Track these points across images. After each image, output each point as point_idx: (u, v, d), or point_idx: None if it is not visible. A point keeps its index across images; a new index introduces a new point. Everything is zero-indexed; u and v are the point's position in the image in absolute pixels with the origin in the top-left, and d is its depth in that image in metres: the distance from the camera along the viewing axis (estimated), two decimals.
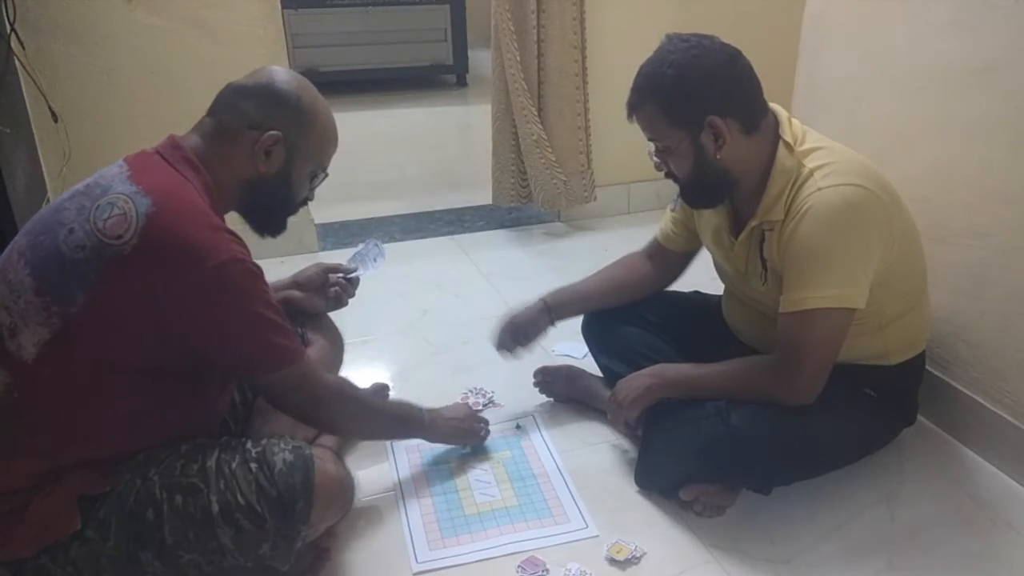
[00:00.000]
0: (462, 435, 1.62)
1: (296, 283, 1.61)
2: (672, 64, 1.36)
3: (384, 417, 1.47)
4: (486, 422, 1.68)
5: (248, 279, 1.16)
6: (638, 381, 1.52)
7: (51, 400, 1.13)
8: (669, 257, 1.74)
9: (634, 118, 1.44)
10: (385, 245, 1.72)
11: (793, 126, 1.44)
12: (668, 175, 1.47)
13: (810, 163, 1.38)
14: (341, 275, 1.64)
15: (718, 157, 1.39)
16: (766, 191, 1.41)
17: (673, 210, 1.69)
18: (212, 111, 1.28)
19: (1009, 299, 1.56)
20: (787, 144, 1.40)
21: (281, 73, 1.30)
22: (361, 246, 1.69)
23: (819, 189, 1.35)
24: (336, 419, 1.35)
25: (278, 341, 1.20)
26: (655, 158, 1.46)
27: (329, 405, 1.30)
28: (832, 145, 1.42)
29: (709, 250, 1.65)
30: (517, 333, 1.73)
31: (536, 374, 1.85)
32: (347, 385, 1.38)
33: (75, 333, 1.11)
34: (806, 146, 1.41)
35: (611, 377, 1.71)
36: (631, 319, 1.72)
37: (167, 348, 1.15)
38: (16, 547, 1.12)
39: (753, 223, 1.45)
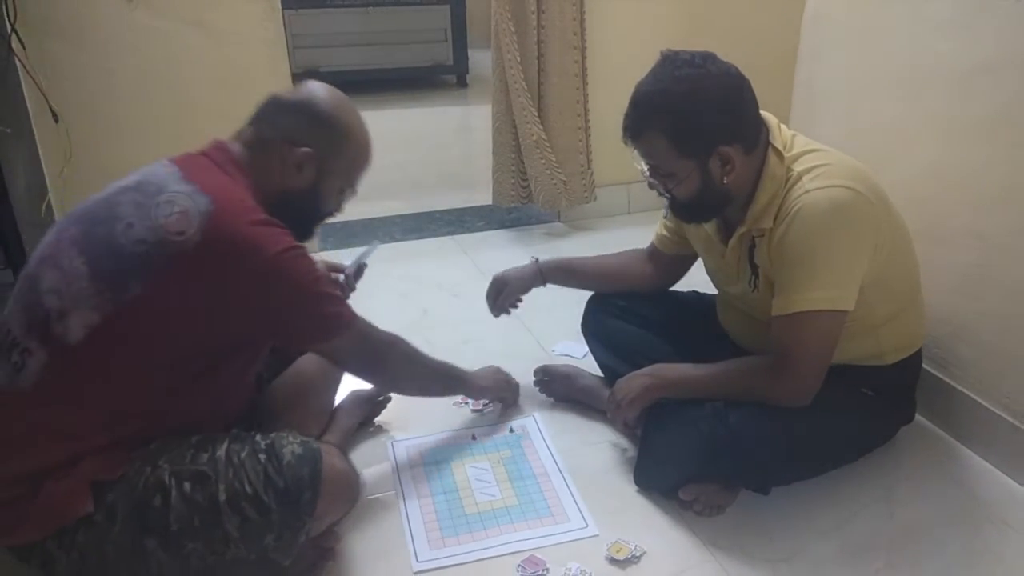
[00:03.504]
0: (498, 391, 1.77)
1: None
2: (680, 93, 1.33)
3: (434, 371, 1.56)
4: (517, 383, 1.81)
5: (302, 263, 1.24)
6: (636, 381, 1.52)
7: (86, 383, 1.16)
8: (665, 260, 1.75)
9: (631, 142, 1.40)
10: (385, 245, 1.72)
11: (782, 132, 1.43)
12: (662, 194, 1.45)
13: (798, 167, 1.38)
14: (345, 272, 1.66)
15: (724, 182, 1.38)
16: (755, 199, 1.41)
17: (666, 217, 1.68)
18: (253, 120, 1.33)
19: (1009, 299, 1.56)
20: (777, 151, 1.40)
21: (322, 91, 1.34)
22: (364, 249, 1.70)
23: (807, 192, 1.34)
24: (394, 372, 1.47)
25: (333, 310, 1.29)
26: (651, 179, 1.44)
27: (387, 360, 1.42)
28: (820, 148, 1.42)
29: (700, 256, 1.66)
30: (508, 291, 1.79)
31: (536, 373, 1.86)
32: (400, 340, 1.46)
33: (125, 319, 1.15)
34: (795, 151, 1.40)
35: (611, 376, 1.72)
36: (631, 318, 1.72)
37: (216, 337, 1.21)
38: (29, 529, 1.13)
39: (742, 230, 1.45)
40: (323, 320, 1.29)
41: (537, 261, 1.80)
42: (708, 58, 1.36)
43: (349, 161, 1.37)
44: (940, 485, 1.58)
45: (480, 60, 4.97)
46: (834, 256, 1.35)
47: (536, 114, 2.73)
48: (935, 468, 1.62)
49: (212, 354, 1.23)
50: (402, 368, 1.48)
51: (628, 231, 2.75)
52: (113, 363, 1.16)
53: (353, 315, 1.33)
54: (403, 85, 5.36)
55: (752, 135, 1.39)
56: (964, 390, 1.67)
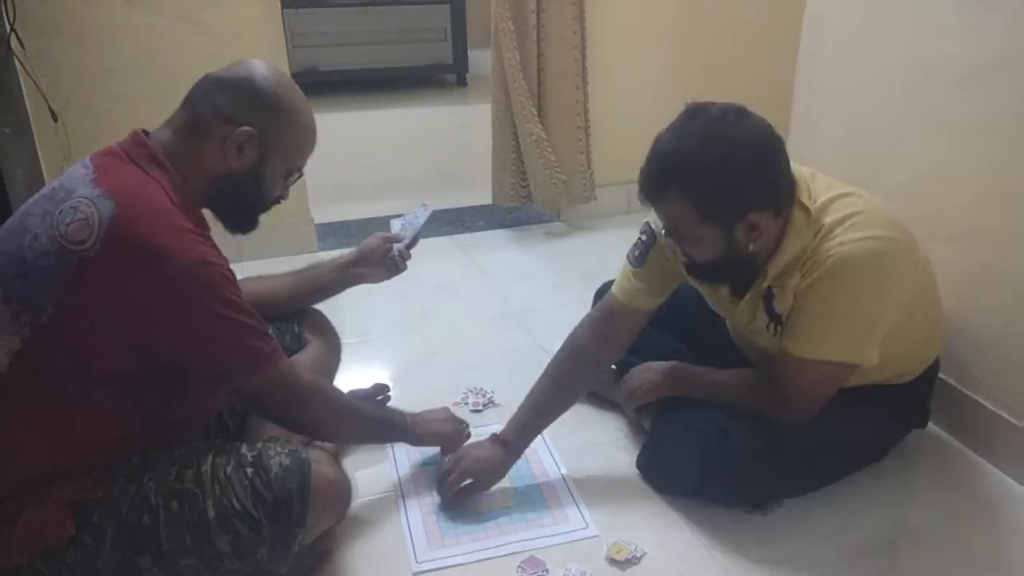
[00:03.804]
0: (444, 439, 1.59)
1: (361, 255, 1.64)
2: (709, 157, 1.21)
3: (366, 420, 1.45)
4: (466, 425, 1.63)
5: (215, 281, 1.13)
6: (650, 376, 1.54)
7: (28, 409, 1.11)
8: (633, 316, 1.54)
9: (648, 203, 1.29)
10: (392, 248, 1.71)
11: (808, 180, 1.34)
12: (682, 256, 1.34)
13: (828, 218, 1.30)
14: (401, 244, 1.65)
15: (751, 249, 1.29)
16: (778, 255, 1.32)
17: (638, 266, 1.51)
18: (186, 103, 1.24)
19: (1009, 299, 1.56)
20: (804, 207, 1.30)
21: (261, 68, 1.25)
22: (408, 214, 1.69)
23: (842, 244, 1.27)
24: (316, 422, 1.31)
25: (251, 343, 1.18)
26: (668, 240, 1.34)
27: (309, 408, 1.28)
28: (847, 191, 1.34)
29: (705, 298, 1.55)
30: (473, 484, 1.50)
31: None
32: (327, 387, 1.37)
33: (45, 342, 1.09)
34: (822, 199, 1.32)
35: (621, 368, 1.72)
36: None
37: (138, 355, 1.13)
38: (9, 554, 1.10)
39: (763, 284, 1.37)
40: (239, 351, 1.17)
41: (501, 441, 1.51)
42: (741, 115, 1.24)
43: (293, 141, 1.27)
44: (941, 486, 1.57)
45: (480, 59, 4.97)
46: (865, 312, 1.31)
47: (536, 113, 2.73)
48: (936, 469, 1.62)
49: (152, 373, 1.16)
50: (329, 418, 1.33)
51: (628, 231, 2.72)
52: (46, 389, 1.11)
53: (277, 353, 1.22)
54: (403, 84, 5.35)
55: (784, 199, 1.29)
56: (965, 390, 1.67)
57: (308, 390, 1.28)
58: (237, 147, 1.21)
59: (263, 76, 1.24)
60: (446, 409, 1.65)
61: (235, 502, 1.15)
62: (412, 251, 1.68)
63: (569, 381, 1.56)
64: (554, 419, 1.55)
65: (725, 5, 2.90)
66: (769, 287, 1.37)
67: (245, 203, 1.29)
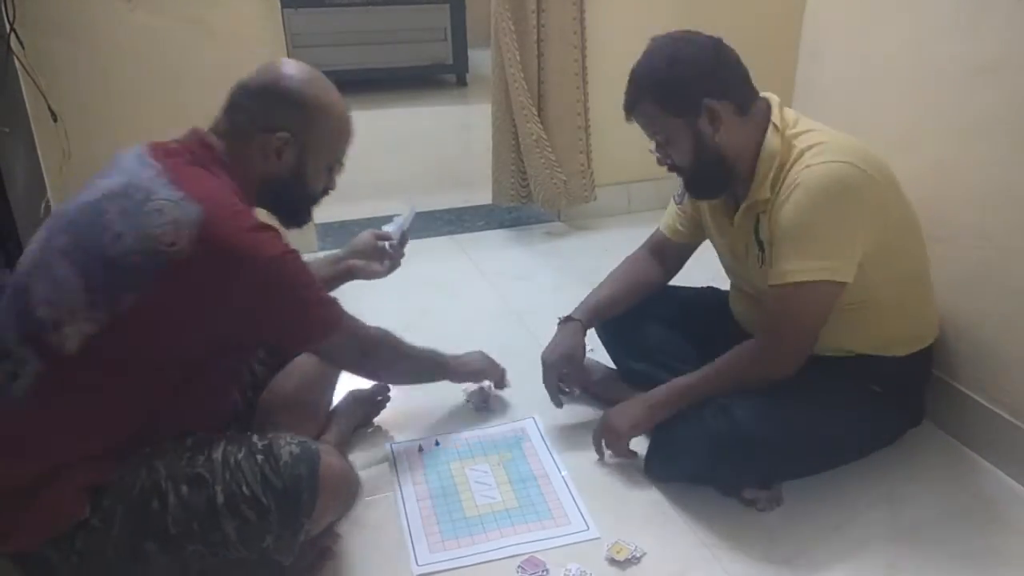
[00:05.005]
0: (485, 372, 1.77)
1: (354, 251, 1.69)
2: (662, 57, 1.42)
3: (419, 361, 1.58)
4: (502, 368, 1.80)
5: (295, 267, 1.23)
6: (622, 420, 1.56)
7: (81, 392, 1.15)
8: (673, 251, 1.75)
9: (632, 117, 1.47)
10: (384, 244, 1.72)
11: (785, 112, 1.47)
12: (671, 168, 1.49)
13: (801, 143, 1.41)
14: (391, 240, 1.70)
15: (716, 140, 1.41)
16: (756, 172, 1.44)
17: (679, 203, 1.70)
18: (226, 110, 1.30)
19: (1009, 299, 1.56)
20: (775, 127, 1.43)
21: (288, 68, 1.30)
22: (402, 215, 1.74)
23: (808, 166, 1.37)
24: (381, 366, 1.49)
25: (324, 313, 1.30)
26: (656, 153, 1.49)
27: (376, 356, 1.44)
28: (825, 128, 1.45)
29: (712, 242, 1.67)
30: (572, 365, 1.69)
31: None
32: (387, 335, 1.48)
33: (120, 329, 1.14)
34: (798, 128, 1.44)
35: (624, 371, 1.77)
36: (645, 314, 1.73)
37: (209, 342, 1.21)
38: (25, 536, 1.12)
39: (745, 204, 1.47)
40: (317, 322, 1.29)
41: (570, 319, 1.72)
42: (687, 32, 1.45)
43: (329, 136, 1.34)
44: (941, 485, 1.57)
45: (480, 59, 4.96)
46: (834, 227, 1.37)
47: (536, 113, 2.73)
48: (936, 468, 1.62)
49: (204, 358, 1.23)
50: (390, 362, 1.50)
51: (628, 231, 2.73)
52: (108, 371, 1.15)
53: (340, 312, 1.33)
54: (403, 84, 5.35)
55: (741, 95, 1.43)
56: (965, 390, 1.67)
57: (373, 342, 1.43)
58: (276, 152, 1.27)
59: (290, 77, 1.29)
60: (482, 352, 1.79)
61: (244, 488, 1.16)
62: (405, 251, 1.72)
63: (633, 282, 1.74)
64: (618, 312, 1.73)
65: (725, 5, 2.90)
66: (757, 213, 1.46)
67: (294, 202, 1.36)
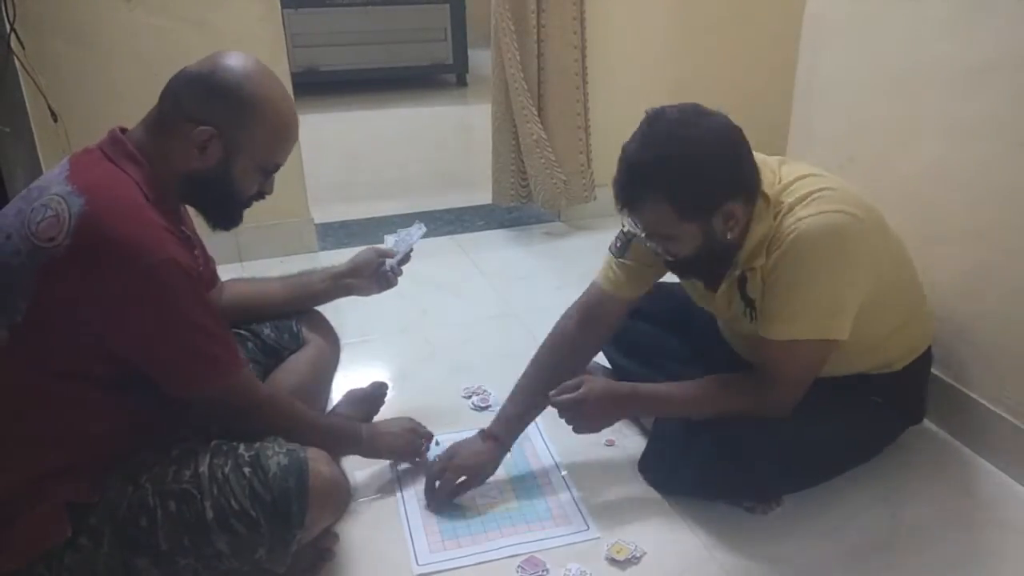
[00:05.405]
0: (399, 452, 1.56)
1: (354, 267, 1.63)
2: (677, 157, 1.25)
3: (318, 432, 1.35)
4: (425, 441, 1.58)
5: (181, 281, 1.10)
6: (597, 417, 1.45)
7: (15, 407, 1.11)
8: (615, 306, 1.57)
9: (626, 212, 1.32)
10: (384, 245, 1.72)
11: (766, 164, 1.38)
12: (667, 263, 1.40)
13: (789, 197, 1.34)
14: (394, 260, 1.64)
15: (728, 238, 1.32)
16: (745, 242, 1.35)
17: (619, 256, 1.53)
18: (160, 99, 1.20)
19: (1009, 299, 1.56)
20: (764, 194, 1.34)
21: (229, 60, 1.19)
22: (402, 230, 1.69)
23: (799, 219, 1.31)
24: (266, 432, 1.25)
25: (209, 349, 1.16)
26: (650, 243, 1.36)
27: (259, 418, 1.26)
28: (810, 173, 1.38)
29: (687, 292, 1.59)
30: (466, 480, 1.50)
31: None
32: (280, 397, 1.34)
33: (24, 341, 1.07)
34: (783, 181, 1.36)
35: (620, 372, 1.74)
36: (640, 314, 1.72)
37: (103, 354, 1.11)
38: (7, 558, 1.10)
39: (735, 273, 1.40)
40: (196, 356, 1.15)
41: (492, 436, 1.53)
42: (698, 113, 1.29)
43: (262, 137, 1.20)
44: (941, 485, 1.57)
45: (480, 59, 4.97)
46: (830, 284, 1.33)
47: (536, 113, 2.73)
48: (936, 468, 1.62)
49: (118, 375, 1.14)
50: (281, 432, 1.26)
51: None
52: (26, 391, 1.10)
53: (235, 361, 1.20)
54: (402, 84, 5.35)
55: (752, 185, 1.33)
56: (965, 390, 1.67)
57: (259, 402, 1.26)
58: (199, 146, 1.17)
59: (227, 69, 1.18)
60: (409, 420, 1.60)
61: (233, 502, 1.14)
62: (404, 267, 1.67)
63: (554, 371, 1.53)
64: (541, 410, 1.55)
65: (725, 5, 2.90)
66: (742, 272, 1.39)
67: (218, 201, 1.25)
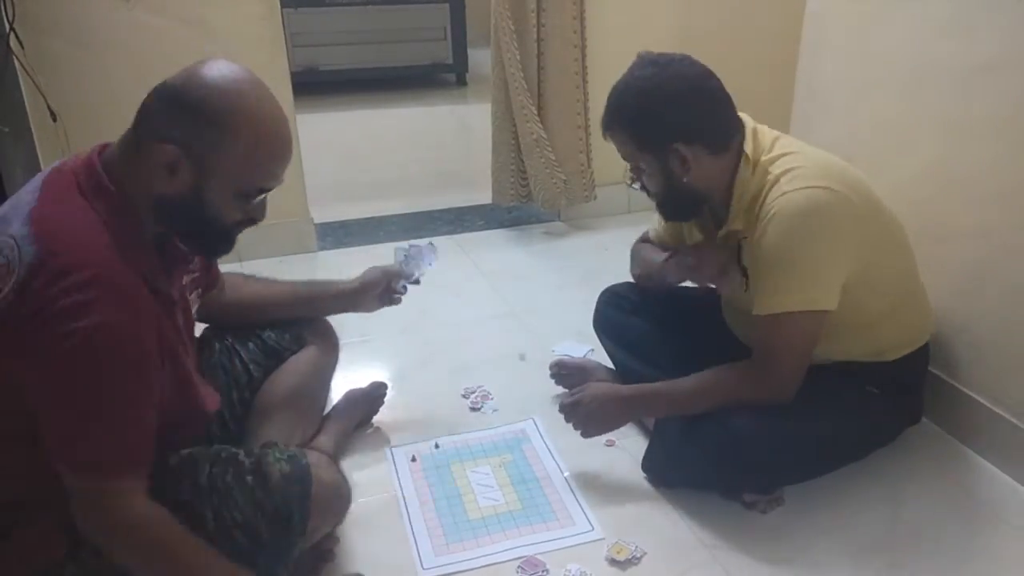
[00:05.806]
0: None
1: (362, 288, 1.62)
2: (637, 90, 1.38)
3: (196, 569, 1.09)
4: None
5: (110, 355, 0.98)
6: (597, 422, 1.54)
7: None
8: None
9: (606, 137, 1.46)
10: (384, 244, 1.71)
11: (760, 135, 1.43)
12: (642, 189, 1.48)
13: (776, 169, 1.38)
14: (403, 282, 1.65)
15: (685, 181, 1.40)
16: (732, 204, 1.43)
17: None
18: (136, 115, 1.09)
19: (1009, 299, 1.56)
20: (746, 156, 1.40)
21: (207, 71, 1.05)
22: (408, 246, 1.68)
23: (783, 194, 1.35)
24: (131, 561, 1.06)
25: (100, 438, 1.00)
26: (629, 174, 1.48)
27: (122, 542, 1.04)
28: (802, 148, 1.43)
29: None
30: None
31: (552, 367, 1.85)
32: (166, 529, 1.05)
33: None
34: (773, 153, 1.41)
35: (623, 371, 1.75)
36: (643, 313, 1.73)
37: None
38: (7, 570, 1.08)
39: (721, 233, 1.47)
40: (79, 439, 1.00)
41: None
42: (675, 59, 1.39)
43: (236, 160, 1.05)
44: (941, 485, 1.57)
45: (480, 59, 4.96)
46: (812, 256, 1.36)
47: (536, 113, 2.73)
48: (936, 468, 1.62)
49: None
50: (144, 566, 1.06)
51: (628, 230, 2.72)
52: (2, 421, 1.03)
53: (122, 469, 1.02)
54: (402, 84, 5.35)
55: (717, 136, 1.40)
56: (965, 389, 1.67)
57: (137, 527, 1.04)
58: (168, 168, 1.04)
59: (201, 83, 1.05)
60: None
61: (236, 513, 1.13)
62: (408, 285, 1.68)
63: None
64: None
65: (725, 5, 2.90)
66: (739, 240, 1.44)
67: (196, 230, 1.12)
